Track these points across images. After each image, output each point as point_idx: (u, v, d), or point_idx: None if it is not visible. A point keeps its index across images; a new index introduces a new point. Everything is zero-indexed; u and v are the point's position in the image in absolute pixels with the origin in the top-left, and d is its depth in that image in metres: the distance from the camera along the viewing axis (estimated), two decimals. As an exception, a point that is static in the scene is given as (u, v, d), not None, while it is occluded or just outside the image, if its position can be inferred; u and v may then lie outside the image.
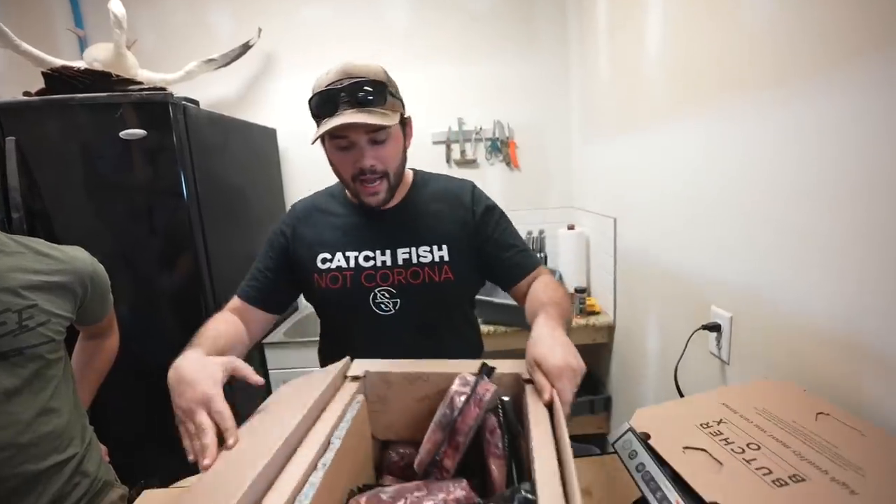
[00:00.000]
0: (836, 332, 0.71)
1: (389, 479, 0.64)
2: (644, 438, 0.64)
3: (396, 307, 0.87)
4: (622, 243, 1.52)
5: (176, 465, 0.76)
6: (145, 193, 1.31)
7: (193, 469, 0.53)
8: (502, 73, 1.99)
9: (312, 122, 0.82)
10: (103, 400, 1.03)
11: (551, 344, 0.64)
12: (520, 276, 0.91)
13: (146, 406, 1.36)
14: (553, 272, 1.10)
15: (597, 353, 1.81)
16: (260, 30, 1.82)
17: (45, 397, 0.80)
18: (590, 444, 1.64)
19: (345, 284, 0.87)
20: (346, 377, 0.67)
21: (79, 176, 1.27)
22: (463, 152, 2.02)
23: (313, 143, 0.81)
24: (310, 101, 0.80)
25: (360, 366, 0.68)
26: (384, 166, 0.82)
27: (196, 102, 1.39)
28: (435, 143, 2.00)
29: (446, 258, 0.88)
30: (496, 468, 0.58)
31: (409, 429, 0.68)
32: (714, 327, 0.97)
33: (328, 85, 0.77)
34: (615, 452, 0.66)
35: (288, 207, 2.05)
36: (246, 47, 1.80)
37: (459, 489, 0.55)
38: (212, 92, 1.90)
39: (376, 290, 0.87)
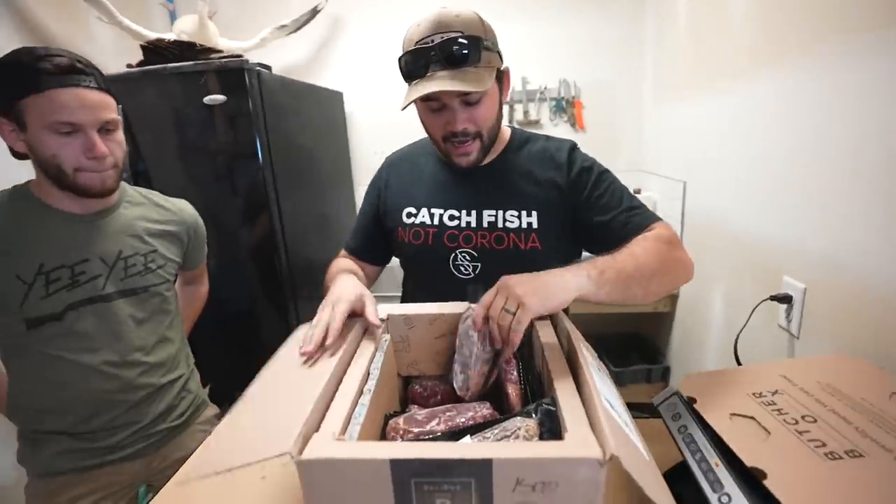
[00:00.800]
0: None
1: (415, 408, 0.69)
2: (690, 402, 0.64)
3: (476, 271, 0.84)
4: (691, 208, 1.43)
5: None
6: (226, 156, 1.42)
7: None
8: (569, 30, 1.87)
9: (378, 85, 0.84)
10: (194, 338, 1.18)
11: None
12: (621, 239, 0.75)
13: (225, 346, 1.53)
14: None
15: (657, 321, 1.75)
16: (327, -7, 1.85)
17: (164, 327, 0.94)
18: (642, 412, 1.62)
19: (426, 241, 0.85)
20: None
21: (172, 140, 1.41)
22: (526, 112, 1.96)
23: (404, 108, 0.75)
24: (400, 59, 0.76)
25: (383, 310, 0.72)
26: (477, 127, 0.77)
27: (269, 68, 1.46)
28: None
29: (535, 225, 0.82)
30: (513, 392, 0.62)
31: (429, 364, 0.74)
32: (785, 298, 0.90)
33: (418, 42, 0.73)
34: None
35: (354, 170, 2.15)
36: (314, 12, 1.84)
37: (485, 409, 0.59)
38: (284, 57, 1.98)
39: (458, 252, 0.84)
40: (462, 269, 0.85)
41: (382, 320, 0.71)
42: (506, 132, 0.90)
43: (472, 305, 0.65)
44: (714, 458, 0.54)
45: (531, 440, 0.50)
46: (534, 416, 0.53)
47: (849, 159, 0.76)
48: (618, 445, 0.40)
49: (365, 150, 2.11)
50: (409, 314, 0.72)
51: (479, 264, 0.85)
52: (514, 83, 1.93)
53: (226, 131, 1.38)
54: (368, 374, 0.59)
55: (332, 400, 0.50)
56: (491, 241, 0.83)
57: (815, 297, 0.85)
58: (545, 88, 1.92)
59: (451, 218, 0.85)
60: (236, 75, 1.31)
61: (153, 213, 0.93)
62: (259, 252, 1.52)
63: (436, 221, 0.86)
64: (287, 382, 0.56)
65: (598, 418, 0.43)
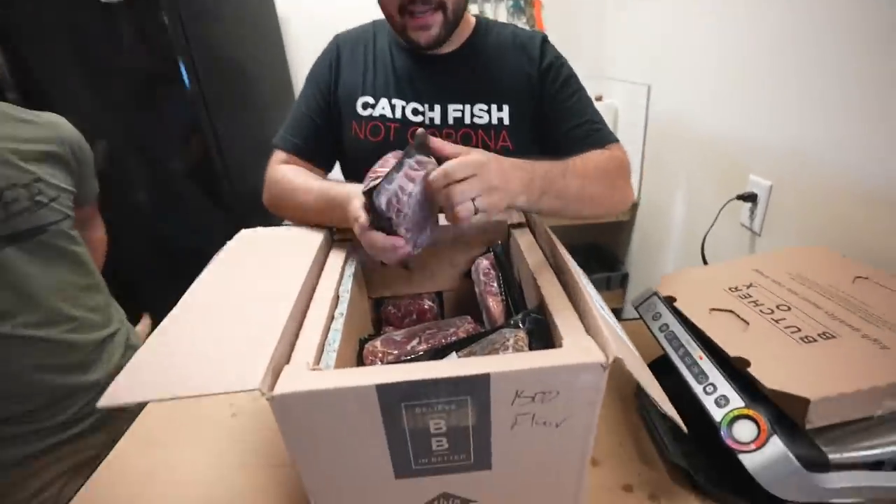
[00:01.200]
0: (879, 190, 0.65)
1: (391, 329, 0.67)
2: (669, 301, 0.63)
3: None
4: (655, 113, 1.39)
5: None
6: (139, 70, 1.21)
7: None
8: None
9: None
10: (136, 281, 1.07)
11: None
12: (578, 151, 0.68)
13: (175, 288, 1.43)
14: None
15: (615, 230, 1.78)
16: None
17: (81, 272, 0.80)
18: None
19: (387, 138, 0.74)
20: (333, 239, 0.65)
21: (67, 52, 1.17)
22: (481, 12, 1.78)
23: None
24: None
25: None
26: None
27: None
28: None
29: (505, 121, 0.74)
30: (494, 304, 0.60)
31: (401, 282, 0.69)
32: (750, 197, 0.91)
33: None
34: (638, 318, 0.66)
35: (296, 87, 1.93)
36: None
37: (467, 323, 0.57)
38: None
39: None
40: None
41: (348, 239, 0.65)
42: (470, 18, 0.79)
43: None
44: (697, 352, 0.54)
45: (522, 351, 0.48)
46: (522, 326, 0.51)
47: (812, 53, 0.73)
48: (618, 348, 0.38)
49: (306, 64, 1.87)
50: (378, 232, 0.66)
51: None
52: (468, -21, 1.73)
53: (135, 40, 1.16)
54: (338, 297, 0.54)
55: (300, 327, 0.45)
56: (457, 139, 0.74)
57: (779, 194, 0.85)
58: (502, -15, 1.74)
59: (415, 112, 0.75)
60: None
61: (21, 131, 0.73)
62: (199, 182, 1.37)
63: (398, 115, 0.75)
64: (242, 298, 0.50)
65: (597, 322, 0.41)
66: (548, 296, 0.51)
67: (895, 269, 0.62)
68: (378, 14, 0.74)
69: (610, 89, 1.71)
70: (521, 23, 1.80)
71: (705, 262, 0.92)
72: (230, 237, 1.48)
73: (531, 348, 0.48)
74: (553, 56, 0.76)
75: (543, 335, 0.49)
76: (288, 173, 0.73)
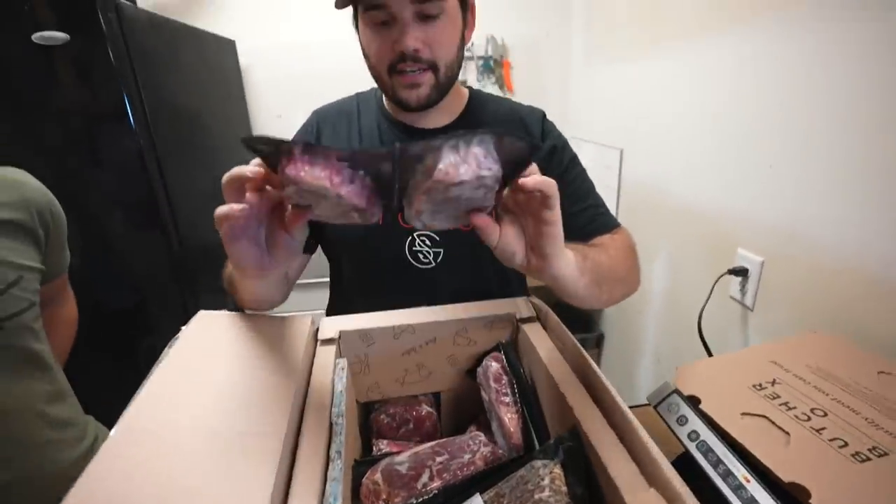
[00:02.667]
0: (877, 274, 0.65)
1: (385, 442, 0.57)
2: (694, 402, 0.58)
3: (438, 259, 0.71)
4: (628, 177, 1.41)
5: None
6: (82, 117, 1.08)
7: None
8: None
9: (280, 33, 0.63)
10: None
11: None
12: (584, 235, 0.65)
13: (105, 362, 1.24)
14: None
15: (590, 291, 1.76)
16: None
17: (49, 378, 0.64)
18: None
19: (377, 222, 0.70)
20: (316, 340, 0.56)
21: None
22: (452, 73, 1.80)
23: (341, 6, 0.61)
24: None
25: (331, 325, 0.57)
26: (432, 55, 0.61)
27: (133, 1, 1.12)
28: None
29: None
30: (508, 418, 0.51)
31: (393, 385, 0.61)
32: (740, 271, 0.90)
33: None
34: (646, 405, 0.60)
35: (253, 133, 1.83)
36: (189, -67, 1.47)
37: (482, 446, 0.48)
38: (150, -10, 1.57)
39: (415, 235, 0.70)
40: (421, 256, 0.71)
41: (332, 339, 0.56)
42: (462, 91, 0.76)
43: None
44: (742, 472, 0.48)
45: (559, 493, 0.40)
46: (554, 457, 0.43)
47: (806, 129, 0.75)
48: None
49: (267, 113, 1.80)
50: (367, 328, 0.57)
51: (440, 250, 0.71)
52: (439, 39, 1.75)
53: (77, 83, 1.04)
54: (332, 424, 0.44)
55: (290, 479, 0.35)
56: None
57: (772, 271, 0.85)
58: (472, 45, 1.77)
59: None
60: (83, 5, 0.97)
61: None
62: (142, 238, 1.22)
63: None
64: (209, 427, 0.39)
65: (661, 471, 0.34)
66: (582, 418, 0.43)
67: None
68: (342, 69, 0.69)
69: (579, 150, 1.75)
70: (491, 83, 1.83)
71: (703, 340, 0.89)
72: (177, 300, 1.30)
73: (569, 489, 0.40)
74: (556, 136, 0.75)
75: (580, 468, 0.42)
76: None
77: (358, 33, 0.67)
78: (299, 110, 1.83)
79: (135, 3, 1.13)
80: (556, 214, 0.41)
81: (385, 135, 0.72)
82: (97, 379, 1.04)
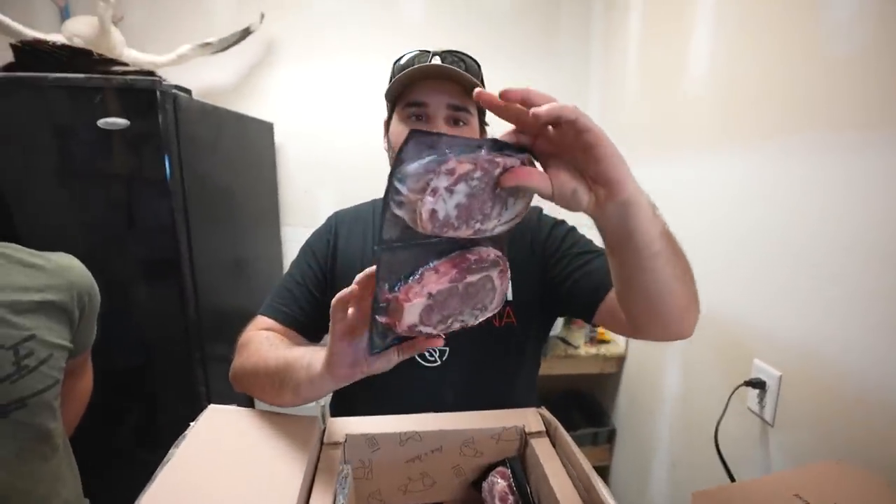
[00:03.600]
0: None
1: None
2: (712, 538, 0.55)
3: (444, 357, 0.71)
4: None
5: None
6: (124, 188, 1.16)
7: None
8: (518, 79, 1.88)
9: (313, 117, 0.71)
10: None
11: None
12: (606, 284, 0.63)
13: (111, 431, 1.22)
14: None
15: (603, 383, 1.72)
16: (263, 15, 1.67)
17: (57, 461, 0.64)
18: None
19: None
20: (321, 443, 0.55)
21: (47, 166, 1.12)
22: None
23: (388, 95, 0.69)
24: (395, 64, 0.70)
25: (337, 428, 0.57)
26: None
27: (188, 91, 1.24)
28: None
29: (509, 297, 0.71)
30: None
31: (396, 495, 0.58)
32: (758, 384, 0.88)
33: (418, 51, 0.68)
34: None
35: (282, 208, 1.93)
36: (246, 32, 1.65)
37: None
38: (204, 78, 1.74)
39: None
40: (427, 354, 0.72)
41: (338, 443, 0.55)
42: None
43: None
44: None
45: None
46: None
47: (829, 247, 0.76)
48: None
49: (294, 188, 1.90)
50: (374, 433, 0.57)
51: (446, 348, 0.72)
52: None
53: (126, 160, 1.13)
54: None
55: None
56: None
57: (791, 387, 0.83)
58: (492, 138, 1.89)
59: None
60: (146, 96, 1.08)
61: (17, 277, 0.62)
62: (161, 298, 1.24)
63: None
64: None
65: None
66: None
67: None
68: (364, 152, 0.75)
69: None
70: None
71: (721, 457, 0.85)
72: (189, 369, 1.29)
73: None
74: (552, 222, 0.78)
75: None
76: (259, 337, 0.66)
77: (386, 134, 0.73)
78: (323, 187, 1.92)
79: (190, 93, 1.25)
80: (596, 133, 0.37)
81: None
82: (93, 441, 1.02)
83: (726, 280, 1.01)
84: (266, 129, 1.76)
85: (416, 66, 0.64)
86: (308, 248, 0.79)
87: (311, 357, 0.52)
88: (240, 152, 1.56)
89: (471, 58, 0.70)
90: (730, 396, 0.89)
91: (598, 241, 0.73)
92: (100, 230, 1.18)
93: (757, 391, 0.89)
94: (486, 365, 0.73)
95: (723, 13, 1.04)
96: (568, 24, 1.86)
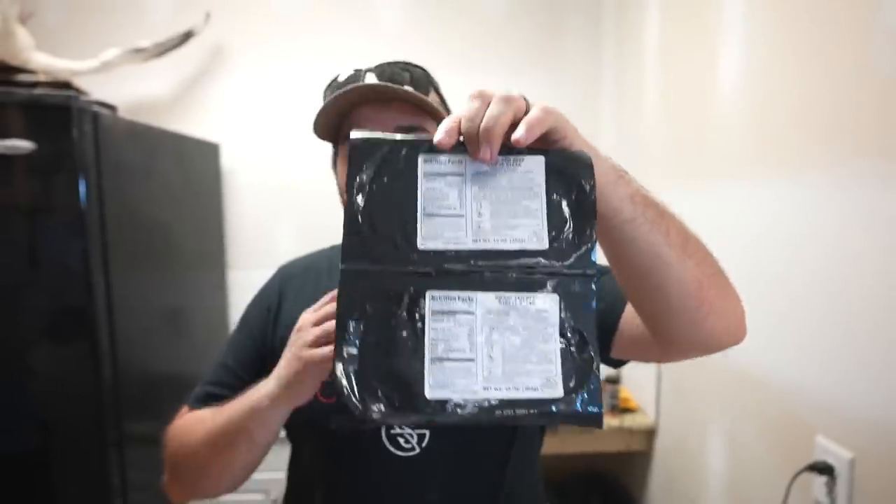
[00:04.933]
0: None
1: None
2: None
3: (422, 444, 0.67)
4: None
5: None
6: (27, 220, 1.13)
7: None
8: (516, 88, 1.91)
9: (266, 138, 0.69)
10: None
11: None
12: (621, 305, 0.61)
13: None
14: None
15: (630, 464, 1.68)
16: (208, 15, 1.69)
17: None
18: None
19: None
20: None
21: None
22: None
23: (316, 128, 0.68)
24: (326, 90, 0.69)
25: None
26: None
27: (113, 108, 1.23)
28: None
29: None
30: None
31: None
32: (824, 468, 0.85)
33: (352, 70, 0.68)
34: None
35: (228, 246, 1.89)
36: (187, 36, 1.66)
37: None
38: (135, 91, 1.74)
39: None
40: (401, 440, 0.67)
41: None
42: None
43: None
44: None
45: None
46: None
47: None
48: None
49: (245, 223, 1.87)
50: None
51: (425, 432, 0.67)
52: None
53: (29, 190, 1.10)
54: None
55: None
56: None
57: (866, 469, 0.80)
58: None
59: None
60: (58, 115, 1.06)
61: None
62: (65, 367, 1.18)
63: None
64: None
65: None
66: None
67: None
68: (326, 183, 0.76)
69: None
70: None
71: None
72: (93, 449, 1.24)
73: None
74: None
75: None
76: (191, 417, 0.67)
77: (335, 172, 0.72)
78: (280, 221, 1.89)
79: (115, 110, 1.24)
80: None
81: None
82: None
83: (775, 339, 0.99)
84: (210, 151, 1.75)
85: (345, 90, 0.63)
86: (245, 324, 0.78)
87: (260, 386, 0.56)
88: (178, 180, 1.54)
89: (415, 66, 0.69)
90: (789, 485, 0.86)
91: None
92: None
93: (824, 478, 0.86)
94: (476, 447, 0.69)
95: (755, 14, 1.07)
96: (574, 24, 1.92)
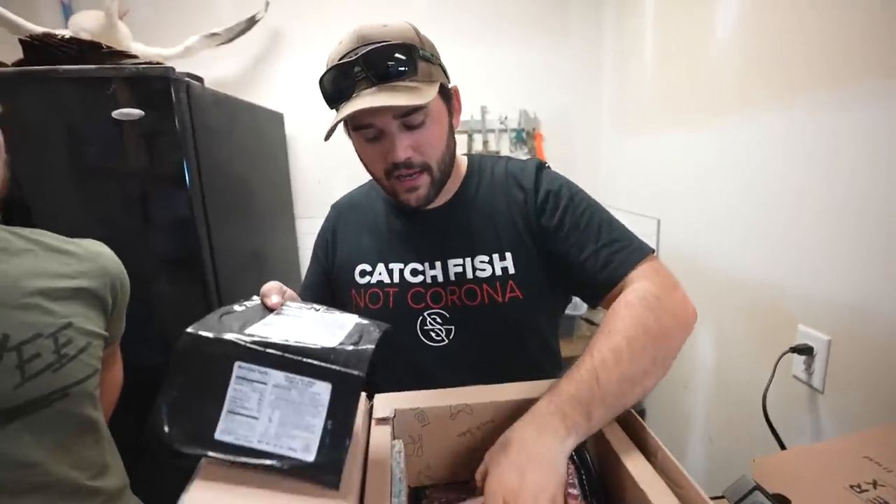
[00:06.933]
0: None
1: None
2: (781, 502, 0.52)
3: (450, 336, 0.69)
4: (667, 247, 1.39)
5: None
6: (140, 180, 1.14)
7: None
8: (529, 58, 1.84)
9: (323, 106, 0.65)
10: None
11: (516, 460, 0.45)
12: (600, 290, 0.63)
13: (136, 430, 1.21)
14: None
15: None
16: (267, 3, 1.64)
17: (101, 450, 0.63)
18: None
19: (387, 304, 0.71)
20: (371, 418, 0.53)
21: (62, 160, 1.10)
22: (485, 143, 1.87)
23: (327, 138, 0.63)
24: (321, 80, 0.64)
25: (385, 403, 0.55)
26: (423, 157, 0.64)
27: (200, 80, 1.22)
28: (456, 132, 1.84)
29: (511, 270, 0.68)
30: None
31: (447, 469, 0.57)
32: (805, 349, 0.85)
33: (341, 58, 0.61)
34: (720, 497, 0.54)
35: (295, 200, 1.90)
36: (252, 22, 1.62)
37: None
38: (212, 71, 1.72)
39: (426, 314, 0.70)
40: (433, 334, 0.70)
41: (387, 419, 0.53)
42: (462, 162, 0.77)
43: None
44: None
45: None
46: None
47: (868, 203, 0.74)
48: None
49: (307, 179, 1.88)
50: (423, 407, 0.55)
51: (452, 327, 0.70)
52: (473, 112, 1.84)
53: (141, 152, 1.11)
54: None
55: None
56: (462, 296, 0.69)
57: (841, 350, 0.80)
58: (505, 118, 1.85)
59: (414, 273, 0.71)
60: (160, 85, 1.06)
61: (51, 264, 0.60)
62: (183, 294, 1.23)
63: (396, 279, 0.72)
64: None
65: None
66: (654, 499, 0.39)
67: None
68: None
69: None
70: (524, 153, 1.89)
71: (771, 427, 0.82)
72: None
73: None
74: (548, 183, 0.70)
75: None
76: None
77: (350, 138, 0.69)
78: (336, 176, 1.89)
79: (202, 81, 1.23)
80: None
81: (390, 222, 0.76)
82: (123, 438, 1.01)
83: (762, 245, 0.98)
84: (276, 119, 1.74)
85: (339, 118, 0.61)
86: (314, 251, 0.83)
87: None
88: (253, 143, 1.54)
89: (398, 45, 0.60)
90: (775, 365, 0.86)
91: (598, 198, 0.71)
92: (115, 226, 1.17)
93: (804, 357, 0.86)
94: (496, 340, 0.70)
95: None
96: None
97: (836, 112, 0.79)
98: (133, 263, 1.17)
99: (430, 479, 0.57)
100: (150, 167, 1.13)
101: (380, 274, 0.72)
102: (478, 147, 1.87)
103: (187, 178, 1.13)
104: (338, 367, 0.41)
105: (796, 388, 0.88)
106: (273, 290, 0.54)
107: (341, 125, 0.64)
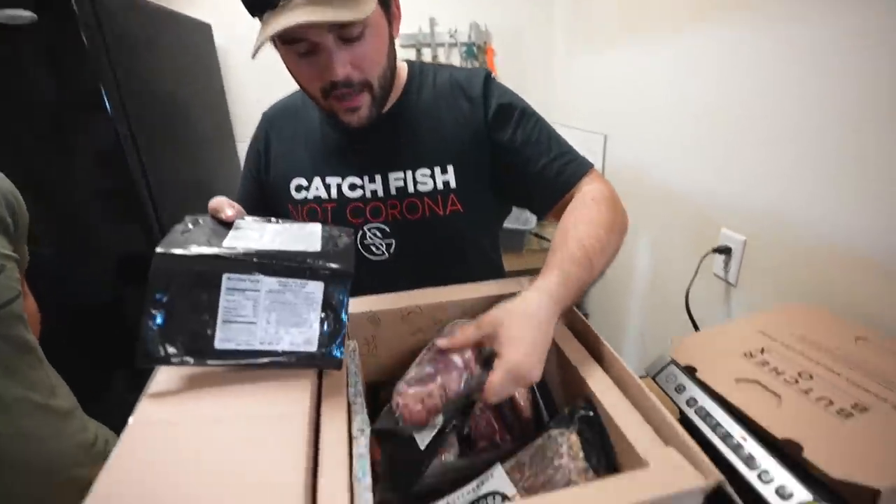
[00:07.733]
0: (856, 249, 0.69)
1: None
2: (690, 372, 0.61)
3: (391, 250, 0.70)
4: (613, 162, 1.45)
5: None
6: (55, 104, 1.03)
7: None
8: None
9: (250, 19, 0.57)
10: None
11: (521, 335, 0.46)
12: (554, 196, 0.66)
13: (82, 358, 1.20)
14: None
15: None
16: None
17: (45, 372, 0.63)
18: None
19: (325, 220, 0.69)
20: None
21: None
22: (434, 57, 1.79)
23: (255, 55, 0.54)
24: None
25: None
26: (363, 74, 0.59)
27: (104, -20, 1.07)
28: (403, 45, 1.75)
29: (452, 184, 0.68)
30: (519, 393, 0.53)
31: (402, 366, 0.60)
32: (724, 250, 0.94)
33: None
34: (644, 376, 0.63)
35: (235, 123, 1.78)
36: None
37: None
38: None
39: (366, 228, 0.70)
40: (374, 248, 0.71)
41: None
42: (402, 69, 0.72)
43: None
44: (740, 433, 0.51)
45: (577, 459, 0.42)
46: (571, 426, 0.45)
47: (790, 117, 0.78)
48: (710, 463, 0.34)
49: (246, 98, 1.76)
50: (375, 310, 0.58)
51: (392, 241, 0.71)
52: (421, 24, 1.74)
53: (47, 70, 0.99)
54: (350, 404, 0.45)
55: (318, 457, 0.36)
56: (403, 210, 0.69)
57: (754, 248, 0.89)
58: (455, 31, 1.77)
59: (352, 187, 0.70)
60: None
61: None
62: (122, 231, 1.18)
63: (333, 194, 0.70)
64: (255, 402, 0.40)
65: (676, 433, 0.36)
66: (597, 388, 0.46)
67: (872, 324, 0.65)
68: None
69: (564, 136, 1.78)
70: (475, 68, 1.82)
71: (690, 315, 0.93)
72: None
73: (587, 457, 0.42)
74: (500, 98, 0.69)
75: (595, 435, 0.44)
76: None
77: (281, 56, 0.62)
78: (278, 94, 1.78)
79: (107, -17, 1.08)
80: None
81: (325, 133, 0.72)
82: (77, 376, 1.01)
83: (695, 157, 1.04)
84: (205, 30, 1.57)
85: (276, 31, 0.51)
86: (245, 164, 0.79)
87: None
88: (179, 58, 1.40)
89: None
90: (699, 264, 0.95)
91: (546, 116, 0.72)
92: (34, 157, 1.07)
93: (723, 257, 0.95)
94: (438, 254, 0.72)
95: None
96: None
97: (759, 32, 0.81)
98: (62, 198, 1.10)
99: (386, 375, 0.62)
100: (60, 87, 1.01)
101: (316, 189, 0.70)
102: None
103: (105, 97, 1.03)
104: (331, 265, 0.45)
105: (715, 284, 0.99)
106: (223, 203, 0.52)
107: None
